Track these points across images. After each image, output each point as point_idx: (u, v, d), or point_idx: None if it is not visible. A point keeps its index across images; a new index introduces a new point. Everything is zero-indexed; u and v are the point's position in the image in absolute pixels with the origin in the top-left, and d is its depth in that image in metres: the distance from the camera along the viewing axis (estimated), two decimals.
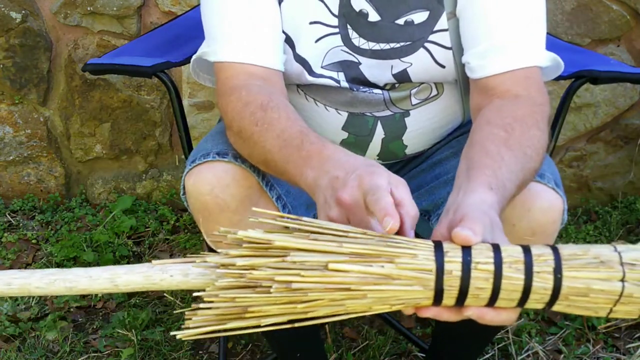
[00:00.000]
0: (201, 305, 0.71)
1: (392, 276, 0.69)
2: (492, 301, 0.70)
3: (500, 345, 1.63)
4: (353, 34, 1.10)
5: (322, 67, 1.12)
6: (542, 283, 0.69)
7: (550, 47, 1.07)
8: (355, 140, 1.17)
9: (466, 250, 0.70)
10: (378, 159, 1.20)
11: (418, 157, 1.24)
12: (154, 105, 2.13)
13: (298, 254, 0.69)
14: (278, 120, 0.95)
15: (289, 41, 1.11)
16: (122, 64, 1.33)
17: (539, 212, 0.97)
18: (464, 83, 1.14)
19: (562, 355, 1.61)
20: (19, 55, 2.09)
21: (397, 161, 1.24)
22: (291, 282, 0.68)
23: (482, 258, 0.69)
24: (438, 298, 0.70)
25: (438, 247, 0.70)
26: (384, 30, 1.09)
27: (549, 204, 0.98)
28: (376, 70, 1.12)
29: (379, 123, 1.15)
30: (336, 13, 1.09)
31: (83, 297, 1.85)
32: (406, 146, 1.19)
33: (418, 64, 1.10)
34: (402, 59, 1.10)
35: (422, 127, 1.17)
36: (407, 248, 0.70)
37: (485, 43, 1.03)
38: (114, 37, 2.07)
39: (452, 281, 0.69)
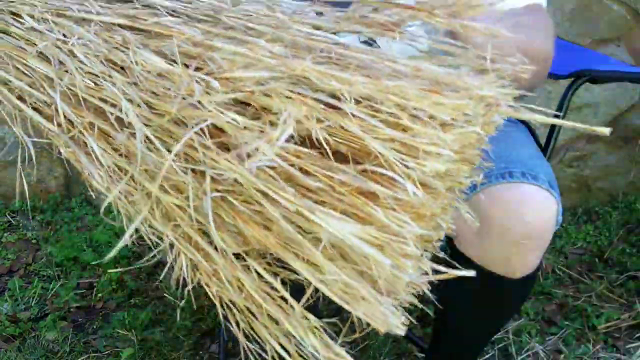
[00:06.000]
0: None
1: None
2: None
3: (500, 345, 1.63)
4: None
5: None
6: None
7: None
8: None
9: None
10: None
11: None
12: None
13: None
14: None
15: None
16: None
17: (532, 214, 0.96)
18: None
19: (562, 355, 1.61)
20: None
21: None
22: None
23: None
24: None
25: None
26: None
27: (542, 205, 0.97)
28: None
29: None
30: None
31: (83, 297, 1.85)
32: None
33: None
34: None
35: None
36: None
37: None
38: None
39: None
